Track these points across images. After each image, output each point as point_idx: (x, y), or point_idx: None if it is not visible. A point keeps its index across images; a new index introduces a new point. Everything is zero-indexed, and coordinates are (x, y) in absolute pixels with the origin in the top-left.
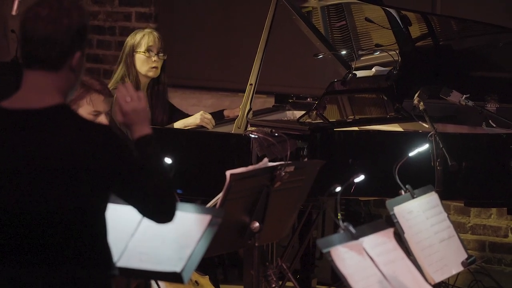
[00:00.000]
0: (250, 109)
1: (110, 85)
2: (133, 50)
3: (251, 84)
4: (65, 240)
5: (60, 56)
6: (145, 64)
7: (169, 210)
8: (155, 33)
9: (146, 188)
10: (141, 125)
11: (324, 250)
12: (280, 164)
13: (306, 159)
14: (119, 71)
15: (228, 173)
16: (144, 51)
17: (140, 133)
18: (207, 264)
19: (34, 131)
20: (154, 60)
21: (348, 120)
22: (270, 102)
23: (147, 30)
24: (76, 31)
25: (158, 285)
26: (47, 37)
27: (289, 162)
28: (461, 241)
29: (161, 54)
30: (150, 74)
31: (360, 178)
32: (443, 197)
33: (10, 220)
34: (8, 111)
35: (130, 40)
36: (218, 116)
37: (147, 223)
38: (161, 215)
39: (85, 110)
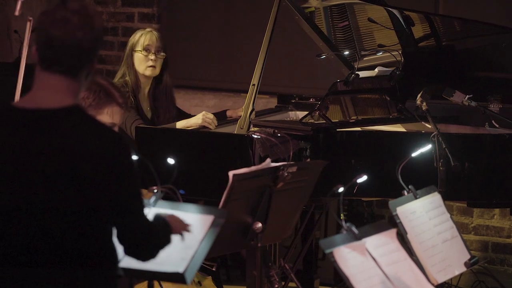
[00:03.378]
0: (253, 109)
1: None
2: (132, 49)
3: (253, 85)
4: (71, 240)
5: (82, 64)
6: (143, 63)
7: (149, 251)
8: (154, 32)
9: (136, 211)
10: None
11: (327, 251)
12: (282, 165)
13: (308, 160)
14: (120, 70)
15: (231, 173)
16: (141, 49)
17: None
18: (210, 264)
19: (46, 131)
20: (152, 59)
21: (351, 121)
22: (273, 102)
23: (146, 30)
24: (98, 39)
25: (161, 285)
26: (74, 44)
27: (291, 162)
28: (464, 241)
29: (161, 53)
30: (148, 73)
31: (363, 178)
32: (446, 197)
33: (18, 219)
34: (21, 111)
35: (131, 39)
36: (221, 117)
37: None
38: (139, 252)
39: (103, 119)
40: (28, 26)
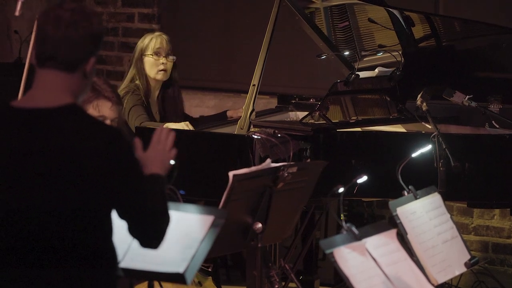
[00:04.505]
0: (253, 109)
1: (122, 87)
2: (141, 53)
3: (254, 85)
4: (71, 240)
5: (76, 59)
6: (154, 67)
7: (156, 237)
8: (163, 35)
9: (143, 203)
10: (155, 167)
11: (327, 251)
12: (283, 165)
13: (309, 160)
14: (129, 74)
15: (231, 174)
16: (151, 54)
17: (152, 171)
18: (206, 265)
19: (45, 130)
20: (162, 63)
21: (351, 121)
22: (273, 103)
23: (156, 33)
24: (94, 37)
25: (161, 285)
26: (66, 38)
27: (292, 163)
28: (464, 242)
29: (170, 57)
30: (159, 77)
31: (363, 179)
32: (446, 198)
33: (18, 219)
34: (19, 110)
35: (140, 43)
36: (221, 117)
37: None
38: (147, 239)
39: (91, 113)
40: (35, 28)
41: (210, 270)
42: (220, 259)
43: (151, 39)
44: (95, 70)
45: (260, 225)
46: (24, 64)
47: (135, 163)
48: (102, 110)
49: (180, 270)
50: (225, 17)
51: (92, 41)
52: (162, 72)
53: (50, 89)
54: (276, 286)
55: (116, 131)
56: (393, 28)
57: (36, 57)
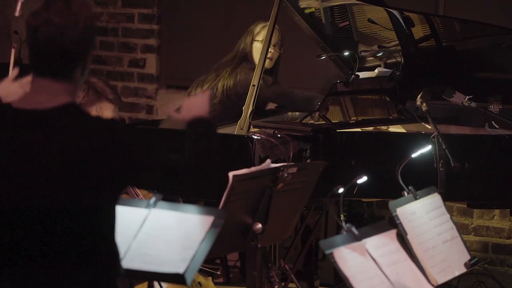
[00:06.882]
0: (253, 110)
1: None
2: (252, 38)
3: (253, 85)
4: (73, 239)
5: (73, 65)
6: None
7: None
8: (276, 25)
9: (165, 175)
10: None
11: (327, 251)
12: (282, 165)
13: (308, 160)
14: (232, 53)
15: (231, 174)
16: (261, 40)
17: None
18: (215, 268)
19: (44, 129)
20: (270, 51)
21: (351, 121)
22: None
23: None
24: (86, 36)
25: (161, 286)
26: (59, 46)
27: (291, 163)
28: (464, 242)
29: (277, 47)
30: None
31: (363, 179)
32: (446, 198)
33: (19, 219)
34: (18, 111)
35: (252, 28)
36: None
37: (150, 224)
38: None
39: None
40: (13, 52)
41: (219, 273)
42: (220, 259)
43: (263, 27)
44: (92, 58)
45: (260, 225)
46: (24, 64)
47: (132, 146)
48: (105, 113)
49: (180, 270)
50: (225, 18)
51: (85, 41)
52: (267, 60)
53: (48, 94)
54: (276, 287)
55: (111, 121)
56: (393, 29)
57: (31, 66)
